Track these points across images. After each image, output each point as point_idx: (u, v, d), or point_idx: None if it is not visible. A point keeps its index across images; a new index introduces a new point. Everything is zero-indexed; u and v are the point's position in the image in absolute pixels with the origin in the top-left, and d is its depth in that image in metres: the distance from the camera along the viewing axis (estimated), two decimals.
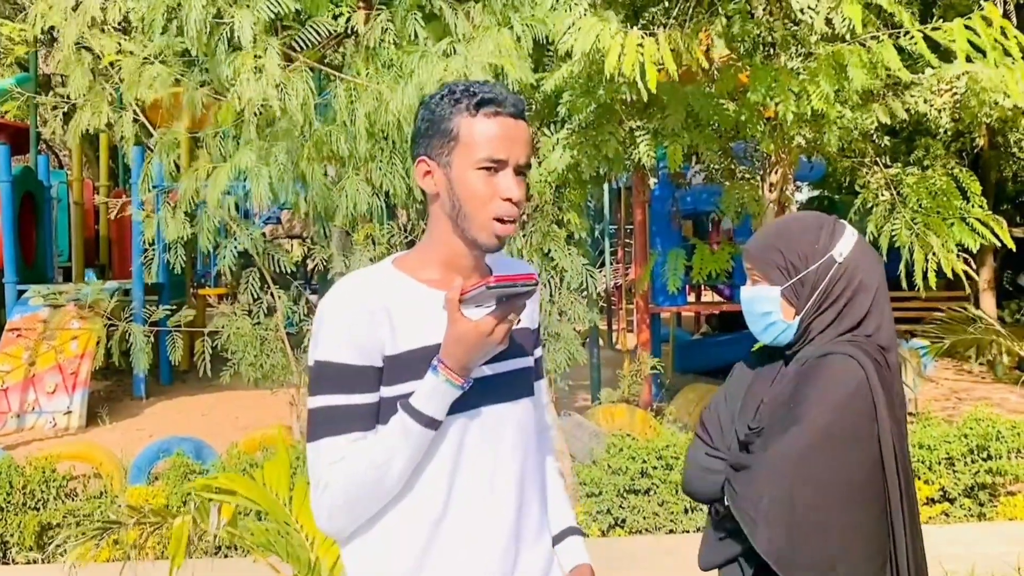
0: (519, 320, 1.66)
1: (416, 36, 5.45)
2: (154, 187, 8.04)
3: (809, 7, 5.07)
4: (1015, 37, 5.31)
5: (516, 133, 1.71)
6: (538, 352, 1.98)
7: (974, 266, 6.32)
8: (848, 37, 5.30)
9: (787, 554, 1.89)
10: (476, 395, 1.70)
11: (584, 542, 2.01)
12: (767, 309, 2.08)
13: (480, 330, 1.60)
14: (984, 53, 5.25)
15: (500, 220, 1.70)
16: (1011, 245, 6.38)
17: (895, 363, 2.03)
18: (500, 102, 1.70)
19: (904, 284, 6.32)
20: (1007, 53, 5.36)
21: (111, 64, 6.18)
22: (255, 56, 5.11)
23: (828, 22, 5.14)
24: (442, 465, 1.70)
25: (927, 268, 6.15)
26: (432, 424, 1.64)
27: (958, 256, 6.17)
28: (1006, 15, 5.67)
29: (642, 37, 4.81)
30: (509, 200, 1.69)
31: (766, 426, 2.00)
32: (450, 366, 1.63)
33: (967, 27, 5.21)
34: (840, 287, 2.03)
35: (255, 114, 5.57)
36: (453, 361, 1.63)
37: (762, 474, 1.94)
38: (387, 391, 1.68)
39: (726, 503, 2.01)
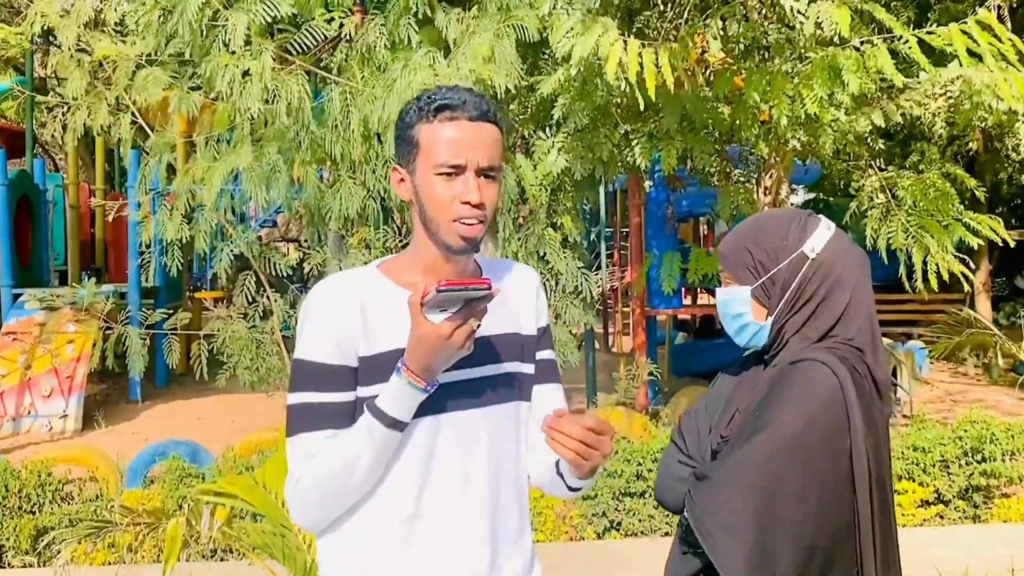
0: (479, 325, 1.66)
1: (410, 41, 5.47)
2: (151, 190, 8.05)
3: (799, 11, 5.09)
4: (1009, 40, 5.34)
5: (475, 137, 1.71)
6: (546, 355, 1.96)
7: (972, 266, 6.36)
8: (839, 40, 5.32)
9: (742, 567, 1.77)
10: (446, 399, 1.73)
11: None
12: (738, 311, 1.98)
13: (439, 334, 1.61)
14: (980, 57, 5.27)
15: (462, 222, 1.71)
16: (1010, 241, 6.41)
17: (878, 365, 1.90)
18: (456, 106, 1.71)
19: (907, 286, 6.35)
20: (1003, 57, 5.39)
21: (103, 64, 6.19)
22: (250, 58, 5.12)
23: (818, 25, 5.17)
24: (413, 466, 1.72)
25: (926, 270, 6.18)
26: (396, 425, 1.67)
27: (956, 257, 6.20)
28: (1000, 19, 5.70)
29: (641, 46, 4.83)
30: (468, 203, 1.69)
31: (732, 435, 1.90)
32: (412, 368, 1.65)
33: (964, 33, 5.23)
34: (813, 285, 1.91)
35: (249, 119, 5.58)
36: (415, 363, 1.64)
37: (720, 484, 1.83)
38: (362, 391, 1.71)
39: (686, 514, 1.91)
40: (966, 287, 6.51)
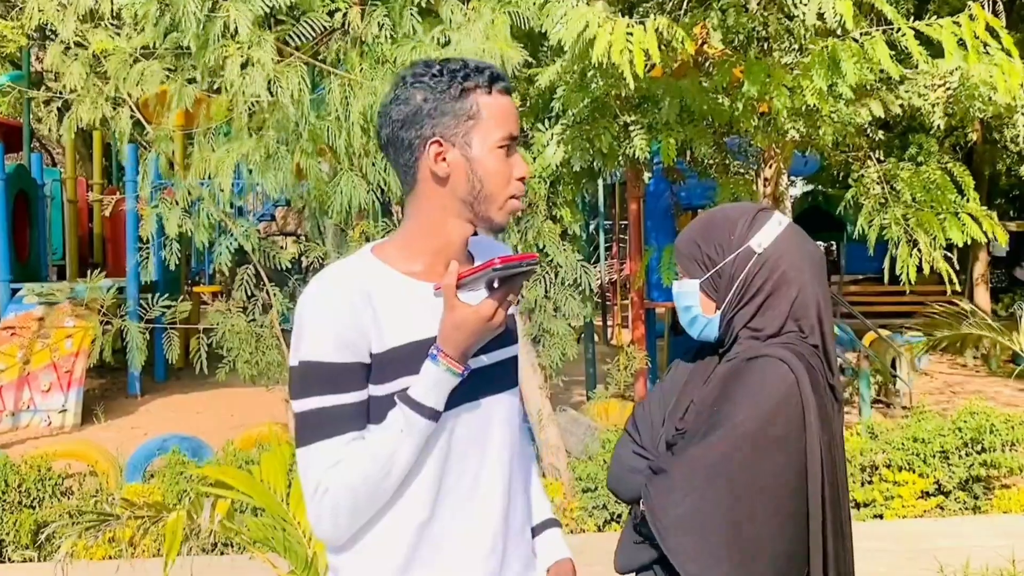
0: (518, 301, 1.62)
1: (414, 31, 5.45)
2: (153, 185, 8.04)
3: (801, 2, 5.08)
4: (1002, 29, 5.35)
5: (515, 108, 1.70)
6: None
7: (956, 267, 6.36)
8: (840, 32, 5.32)
9: (699, 565, 1.77)
10: (464, 388, 1.64)
11: (561, 534, 1.96)
12: (688, 303, 2.00)
13: (481, 315, 1.55)
14: (967, 49, 5.29)
15: (517, 198, 1.68)
16: (1004, 242, 6.41)
17: (832, 364, 1.92)
18: (505, 77, 1.68)
19: (886, 279, 6.37)
20: (1003, 50, 5.39)
21: (102, 57, 6.18)
22: (247, 46, 5.11)
23: (820, 16, 5.16)
24: (433, 461, 1.64)
25: (909, 264, 6.18)
26: (435, 416, 1.59)
27: (945, 256, 6.20)
28: (996, 13, 5.70)
29: (630, 25, 4.78)
30: (521, 178, 1.68)
31: (689, 428, 1.89)
32: (449, 354, 1.57)
33: (955, 23, 5.24)
34: (759, 280, 1.91)
35: (249, 112, 5.57)
36: (452, 348, 1.57)
37: (677, 480, 1.81)
38: (377, 389, 1.62)
39: (642, 508, 1.89)
40: (956, 283, 6.51)
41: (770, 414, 1.79)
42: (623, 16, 5.02)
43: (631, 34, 4.71)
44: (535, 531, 1.92)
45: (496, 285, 1.58)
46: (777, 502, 1.79)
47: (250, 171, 5.83)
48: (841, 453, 1.90)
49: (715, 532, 1.77)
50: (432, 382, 1.59)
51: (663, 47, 4.87)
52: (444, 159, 1.65)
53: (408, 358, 1.61)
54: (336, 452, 1.58)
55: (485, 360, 1.71)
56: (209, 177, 6.15)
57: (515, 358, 1.83)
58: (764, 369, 1.83)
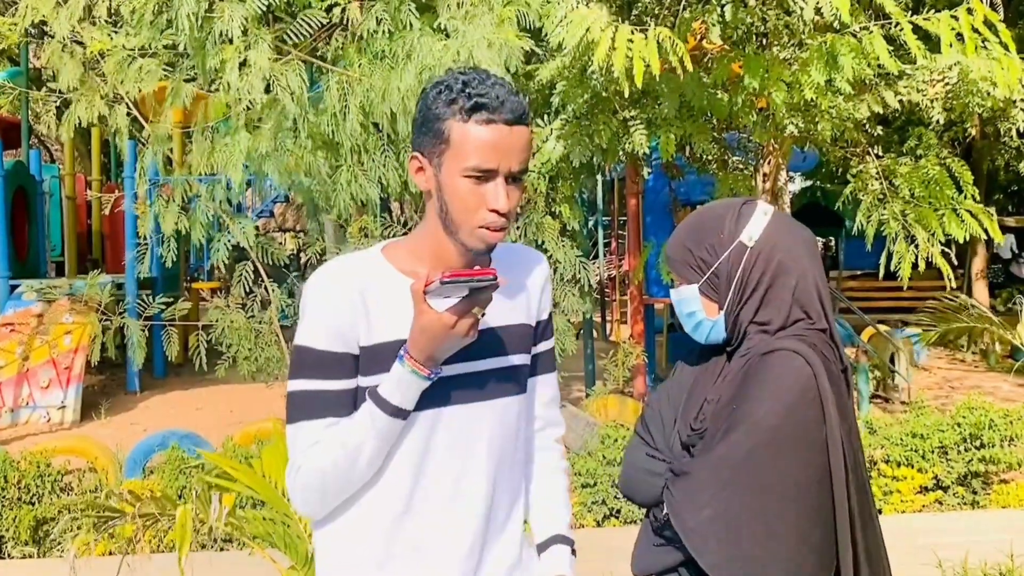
0: (484, 314, 1.63)
1: (411, 27, 5.45)
2: (151, 181, 8.03)
3: None
4: (1000, 24, 5.35)
5: (510, 141, 1.63)
6: (544, 346, 1.92)
7: (955, 262, 6.37)
8: (839, 27, 5.32)
9: (730, 567, 1.76)
10: (448, 392, 1.69)
11: (569, 552, 1.93)
12: (691, 309, 1.98)
13: (443, 323, 1.58)
14: (981, 45, 5.29)
15: (488, 228, 1.65)
16: (1000, 240, 6.41)
17: (841, 348, 1.91)
18: (495, 108, 1.61)
19: (881, 274, 6.38)
20: (1002, 45, 5.39)
21: (100, 56, 6.17)
22: (244, 48, 5.11)
23: (818, 11, 5.16)
24: (407, 458, 1.69)
25: (906, 259, 6.19)
26: (399, 413, 1.64)
27: (943, 252, 6.20)
28: (993, 7, 5.69)
29: (632, 32, 4.78)
30: (496, 211, 1.64)
31: (708, 428, 1.87)
32: (415, 356, 1.61)
33: (953, 17, 5.25)
34: (757, 273, 1.89)
35: (246, 108, 5.56)
36: (418, 351, 1.61)
37: (702, 481, 1.81)
38: (364, 380, 1.68)
39: (665, 511, 1.87)
40: (951, 279, 6.52)
41: (790, 408, 1.78)
42: (621, 15, 5.02)
43: (631, 41, 4.70)
44: (544, 545, 1.92)
45: (470, 294, 1.59)
46: (803, 496, 1.78)
47: (246, 166, 5.83)
48: (858, 439, 1.90)
49: (744, 531, 1.76)
50: (396, 380, 1.63)
51: (662, 48, 4.85)
52: (422, 174, 1.70)
53: (392, 355, 1.66)
54: (315, 433, 1.66)
55: (477, 366, 1.74)
56: (206, 174, 6.15)
57: (518, 367, 1.82)
58: (780, 363, 1.82)
